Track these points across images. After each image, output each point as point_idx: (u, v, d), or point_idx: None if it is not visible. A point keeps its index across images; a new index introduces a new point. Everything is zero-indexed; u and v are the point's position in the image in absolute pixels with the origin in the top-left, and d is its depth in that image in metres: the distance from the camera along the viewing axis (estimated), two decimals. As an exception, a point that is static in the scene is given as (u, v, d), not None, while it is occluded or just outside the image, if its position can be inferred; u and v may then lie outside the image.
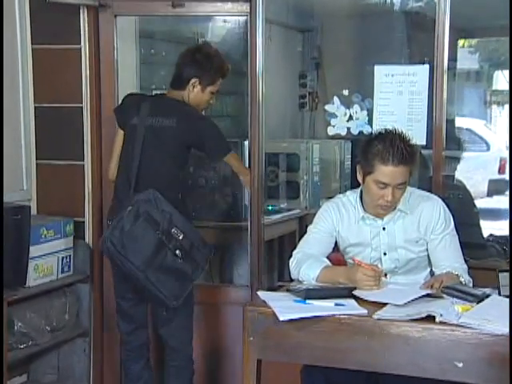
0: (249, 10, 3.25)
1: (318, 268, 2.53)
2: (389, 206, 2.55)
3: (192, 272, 2.87)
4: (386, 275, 2.57)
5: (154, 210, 2.81)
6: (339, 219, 2.66)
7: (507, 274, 2.34)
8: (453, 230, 2.63)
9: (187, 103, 3.01)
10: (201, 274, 2.96)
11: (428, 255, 2.64)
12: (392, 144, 2.48)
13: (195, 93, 3.02)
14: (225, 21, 4.04)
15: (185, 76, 3.01)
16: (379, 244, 2.63)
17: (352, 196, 2.68)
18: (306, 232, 2.74)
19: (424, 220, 2.61)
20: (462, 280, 2.48)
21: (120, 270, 2.88)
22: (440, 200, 2.67)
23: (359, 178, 2.61)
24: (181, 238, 2.83)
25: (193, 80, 2.99)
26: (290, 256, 2.67)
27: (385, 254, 2.63)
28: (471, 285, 2.52)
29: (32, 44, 3.48)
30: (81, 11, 3.42)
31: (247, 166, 3.41)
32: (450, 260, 2.58)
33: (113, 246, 2.79)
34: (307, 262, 2.56)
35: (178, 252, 2.81)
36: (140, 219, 2.79)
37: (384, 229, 2.62)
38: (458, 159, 5.08)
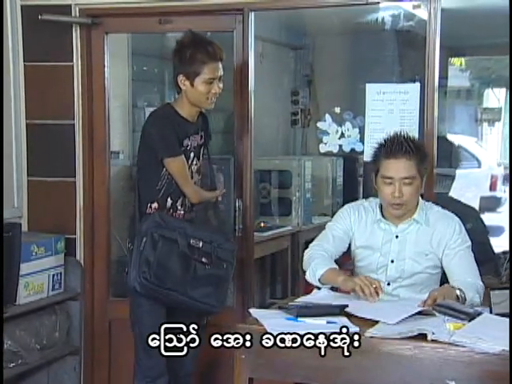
0: (235, 26, 3.27)
1: (324, 268, 2.57)
2: (399, 203, 2.58)
3: (224, 272, 2.89)
4: (378, 293, 2.56)
5: (165, 230, 2.79)
6: (356, 219, 2.72)
7: (499, 292, 2.34)
8: (468, 248, 2.64)
9: (167, 104, 2.95)
10: (232, 270, 2.96)
11: (435, 275, 2.64)
12: (394, 139, 2.60)
13: (188, 90, 2.84)
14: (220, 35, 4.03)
15: (174, 76, 2.87)
16: (389, 251, 2.65)
17: (374, 201, 2.74)
18: (300, 247, 2.78)
19: (438, 234, 2.63)
20: (459, 293, 2.43)
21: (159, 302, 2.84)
22: (457, 219, 2.69)
23: (374, 183, 2.67)
24: (201, 245, 2.83)
25: (179, 77, 2.84)
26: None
27: (392, 261, 2.65)
28: (478, 300, 2.46)
29: (24, 61, 3.49)
30: (73, 29, 3.44)
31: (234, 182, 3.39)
32: (464, 275, 2.56)
33: (147, 281, 2.74)
34: (317, 260, 2.62)
35: (204, 259, 2.83)
36: (159, 245, 2.76)
37: (397, 237, 2.65)
38: (449, 176, 5.11)
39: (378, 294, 2.43)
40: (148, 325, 2.81)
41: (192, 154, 2.93)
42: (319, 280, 2.59)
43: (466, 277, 2.56)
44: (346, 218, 2.73)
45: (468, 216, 3.02)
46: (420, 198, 2.70)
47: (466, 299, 2.44)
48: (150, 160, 2.88)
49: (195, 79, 2.81)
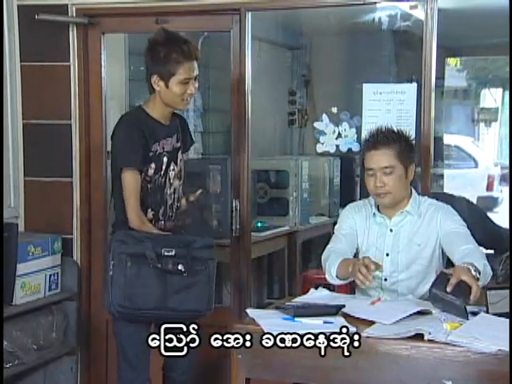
0: (232, 27, 3.27)
1: (336, 264, 2.58)
2: (383, 192, 2.62)
3: (205, 272, 2.70)
4: (386, 279, 2.64)
5: (132, 247, 2.62)
6: (357, 215, 2.75)
7: (495, 292, 2.34)
8: (464, 226, 2.63)
9: (137, 107, 2.83)
10: (215, 267, 2.75)
11: (430, 268, 2.64)
12: (375, 131, 2.66)
13: (162, 91, 2.71)
14: (218, 36, 4.02)
15: (147, 76, 2.74)
16: (383, 245, 2.68)
17: (373, 199, 2.76)
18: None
19: (430, 222, 2.65)
20: (473, 272, 2.33)
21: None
22: (449, 206, 2.72)
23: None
24: (174, 252, 2.65)
25: (153, 78, 2.71)
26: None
27: (387, 254, 2.67)
28: (489, 269, 2.45)
29: (21, 61, 3.49)
30: (70, 28, 3.43)
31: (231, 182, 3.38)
32: (465, 244, 2.54)
33: (122, 307, 2.62)
34: (330, 259, 2.63)
35: (180, 267, 2.64)
36: (127, 265, 2.61)
37: (391, 230, 2.68)
38: (446, 176, 5.11)
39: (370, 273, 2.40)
40: (128, 336, 2.72)
41: (165, 159, 2.78)
42: (337, 277, 2.58)
43: (468, 245, 2.54)
44: (349, 217, 2.77)
45: (458, 204, 3.01)
46: (414, 191, 2.73)
47: (480, 272, 2.36)
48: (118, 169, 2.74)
49: (170, 80, 2.69)
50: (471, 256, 2.45)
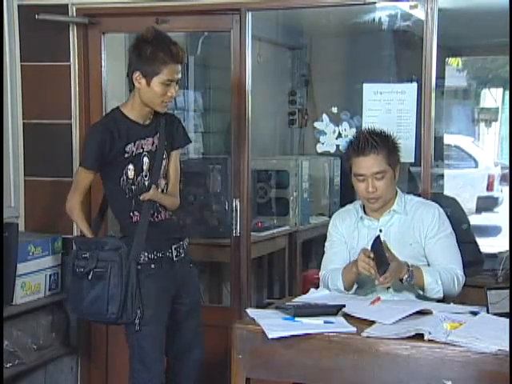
0: (232, 26, 3.27)
1: (339, 277, 2.60)
2: (375, 197, 2.62)
3: (107, 274, 2.66)
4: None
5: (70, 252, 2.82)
6: (343, 224, 2.75)
7: (496, 292, 2.34)
8: (451, 234, 2.66)
9: (115, 108, 2.80)
10: (119, 266, 2.67)
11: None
12: (360, 137, 2.64)
13: (142, 88, 2.67)
14: (218, 36, 4.02)
15: (129, 71, 2.71)
16: None
17: (358, 203, 2.77)
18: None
19: (418, 222, 2.65)
20: (405, 278, 2.49)
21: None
22: (438, 206, 2.71)
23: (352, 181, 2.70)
24: (88, 255, 2.72)
25: (135, 74, 2.67)
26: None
27: None
28: (439, 288, 2.52)
29: (21, 61, 3.49)
30: (70, 28, 3.44)
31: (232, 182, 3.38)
32: (445, 262, 2.58)
33: (70, 310, 2.92)
34: (331, 279, 2.64)
35: (90, 267, 2.69)
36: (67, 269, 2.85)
37: (381, 231, 2.67)
38: (446, 176, 5.10)
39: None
40: (142, 338, 2.72)
41: (146, 159, 2.76)
42: (346, 289, 2.60)
43: (447, 263, 2.57)
44: (335, 229, 2.76)
45: (445, 204, 3.02)
46: (399, 190, 2.73)
47: (412, 277, 2.48)
48: (103, 172, 2.79)
49: (153, 78, 2.65)
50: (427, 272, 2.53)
